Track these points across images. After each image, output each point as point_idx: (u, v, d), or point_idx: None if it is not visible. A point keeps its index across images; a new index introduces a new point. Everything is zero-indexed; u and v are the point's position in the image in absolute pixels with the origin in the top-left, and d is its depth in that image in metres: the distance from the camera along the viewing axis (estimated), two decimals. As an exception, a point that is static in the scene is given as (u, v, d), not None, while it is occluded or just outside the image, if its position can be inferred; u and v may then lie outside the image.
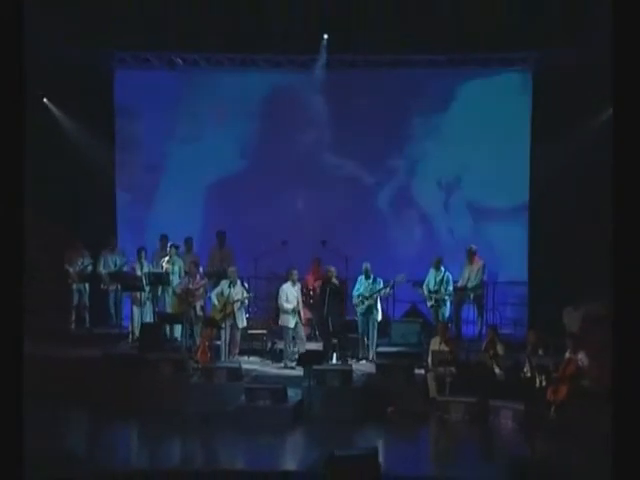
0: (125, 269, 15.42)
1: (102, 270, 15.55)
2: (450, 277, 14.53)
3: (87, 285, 15.61)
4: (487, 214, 16.42)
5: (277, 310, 15.01)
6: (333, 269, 14.02)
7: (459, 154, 16.18)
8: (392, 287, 14.35)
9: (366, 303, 14.00)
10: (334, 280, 13.87)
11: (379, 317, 14.19)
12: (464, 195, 16.50)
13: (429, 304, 14.58)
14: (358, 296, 14.08)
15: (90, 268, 15.55)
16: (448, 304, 14.55)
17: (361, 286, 14.12)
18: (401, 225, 16.75)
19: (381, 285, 14.08)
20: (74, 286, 15.44)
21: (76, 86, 15.75)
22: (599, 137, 14.58)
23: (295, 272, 14.04)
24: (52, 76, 15.42)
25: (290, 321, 13.80)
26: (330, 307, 13.77)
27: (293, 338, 13.83)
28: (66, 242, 15.49)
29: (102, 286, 15.56)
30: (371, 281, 14.09)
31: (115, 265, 15.52)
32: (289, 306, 13.77)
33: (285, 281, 14.04)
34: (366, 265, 14.21)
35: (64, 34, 14.69)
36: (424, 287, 14.55)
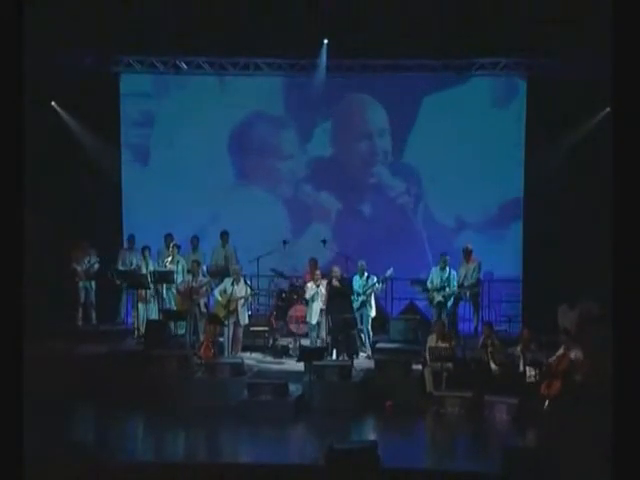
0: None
1: (120, 267, 15.74)
2: (455, 275, 14.71)
3: (93, 283, 15.82)
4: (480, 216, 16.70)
5: (279, 308, 15.36)
6: (337, 270, 14.28)
7: (451, 157, 16.43)
8: (384, 282, 14.58)
9: (360, 299, 14.25)
10: (335, 282, 14.11)
11: (372, 313, 14.42)
12: (459, 196, 16.67)
13: (435, 301, 14.67)
14: (353, 293, 14.36)
15: (97, 266, 15.72)
16: (452, 301, 14.74)
17: (356, 283, 14.37)
18: (401, 226, 16.94)
19: (374, 281, 14.35)
20: (80, 284, 15.65)
21: (83, 89, 15.85)
22: (594, 137, 14.91)
23: (318, 272, 14.35)
24: (59, 79, 15.59)
25: (312, 317, 14.18)
26: (330, 306, 14.01)
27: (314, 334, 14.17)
28: (73, 241, 15.74)
29: (117, 282, 15.71)
30: (365, 278, 14.36)
31: (131, 264, 15.71)
32: (311, 303, 14.16)
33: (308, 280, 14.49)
34: (361, 263, 14.49)
35: (71, 38, 14.88)
36: (428, 284, 14.72)
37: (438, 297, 14.65)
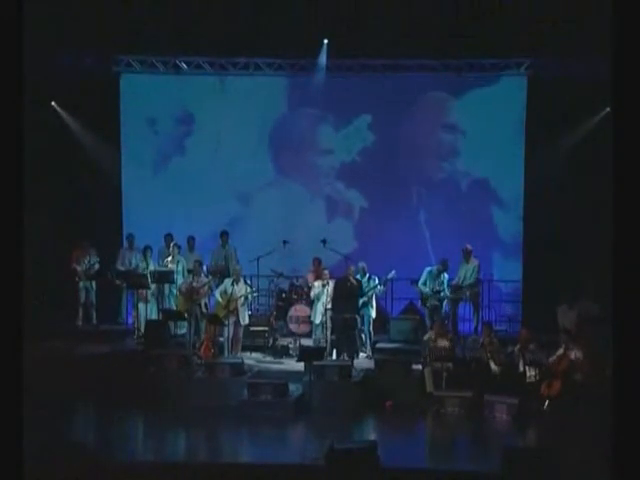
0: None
1: (120, 267, 15.75)
2: (447, 277, 14.77)
3: (94, 283, 15.83)
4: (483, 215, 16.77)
5: (279, 308, 15.38)
6: (352, 268, 14.23)
7: (454, 158, 16.60)
8: (384, 284, 14.54)
9: (361, 300, 14.21)
10: (352, 280, 14.03)
11: (373, 314, 14.44)
12: (461, 197, 16.82)
13: (430, 304, 14.70)
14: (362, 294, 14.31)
15: (97, 266, 15.74)
16: (445, 303, 14.79)
17: None
18: (401, 226, 16.94)
19: (376, 282, 14.34)
20: (81, 284, 15.65)
21: (83, 89, 15.90)
22: (594, 138, 14.94)
23: (326, 272, 14.35)
24: (59, 79, 15.68)
25: (316, 317, 14.22)
26: (338, 305, 13.93)
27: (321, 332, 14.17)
28: (73, 241, 15.75)
29: (117, 282, 15.73)
30: (366, 279, 14.36)
31: (130, 264, 15.71)
32: (316, 303, 14.20)
33: (315, 280, 14.51)
34: (362, 264, 14.50)
35: (71, 38, 14.94)
36: (420, 285, 14.71)
37: (433, 301, 14.69)
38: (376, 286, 14.35)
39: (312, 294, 14.40)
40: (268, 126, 17.10)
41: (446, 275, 14.74)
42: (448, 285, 14.75)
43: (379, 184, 16.88)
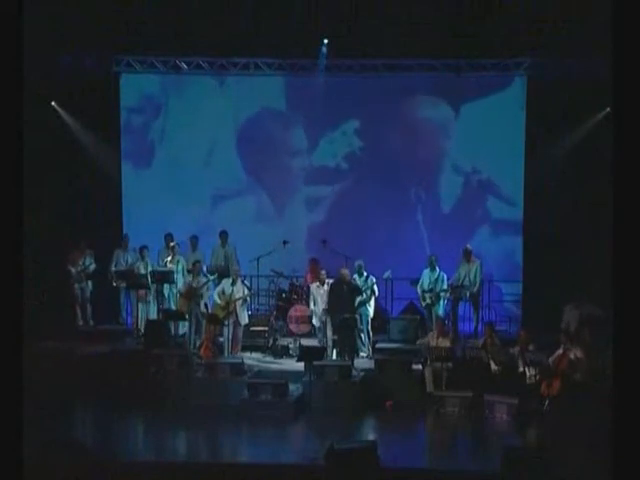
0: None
1: (114, 268, 15.71)
2: (445, 276, 14.78)
3: (90, 283, 15.77)
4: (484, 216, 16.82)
5: (279, 308, 15.39)
6: (346, 271, 14.16)
7: (454, 158, 16.68)
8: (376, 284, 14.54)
9: (358, 299, 14.19)
10: (347, 280, 13.98)
11: (371, 313, 14.45)
12: (461, 197, 16.87)
13: (424, 303, 14.86)
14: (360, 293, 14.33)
15: (93, 267, 15.72)
16: (442, 303, 14.80)
17: None
18: (401, 226, 16.97)
19: (373, 281, 14.34)
20: (76, 285, 15.59)
21: (83, 89, 15.93)
22: (594, 137, 14.96)
23: (323, 272, 14.35)
24: (59, 79, 15.71)
25: (315, 320, 14.27)
26: (337, 305, 13.93)
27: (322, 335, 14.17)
28: (71, 242, 15.73)
29: (113, 283, 15.73)
30: (364, 279, 14.36)
31: (127, 263, 15.68)
32: (315, 306, 14.24)
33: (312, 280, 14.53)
34: (359, 263, 14.50)
35: (71, 39, 14.96)
36: (419, 287, 14.83)
37: (426, 299, 14.75)
38: (374, 284, 14.35)
39: (311, 295, 14.37)
40: (263, 126, 17.12)
41: (443, 275, 14.75)
42: (448, 285, 14.76)
43: (378, 184, 16.86)
